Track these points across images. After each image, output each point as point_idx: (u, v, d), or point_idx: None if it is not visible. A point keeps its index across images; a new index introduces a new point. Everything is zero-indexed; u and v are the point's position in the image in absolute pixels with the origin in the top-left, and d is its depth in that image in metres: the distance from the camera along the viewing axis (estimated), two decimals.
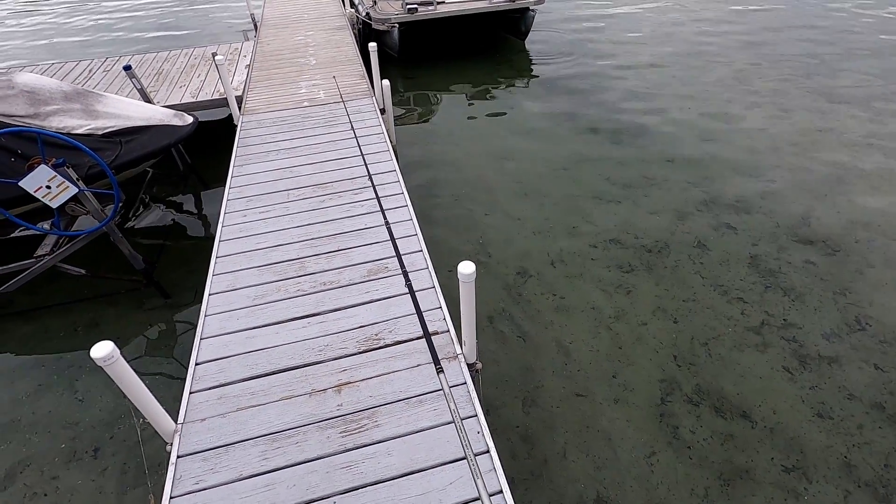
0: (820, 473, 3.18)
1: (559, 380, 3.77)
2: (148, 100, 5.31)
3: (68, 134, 3.98)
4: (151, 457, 3.28)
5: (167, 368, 3.86)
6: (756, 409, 3.53)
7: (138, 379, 2.18)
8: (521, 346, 4.02)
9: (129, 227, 5.36)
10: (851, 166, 6.04)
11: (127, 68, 5.04)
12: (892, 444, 3.29)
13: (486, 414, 3.48)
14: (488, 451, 2.28)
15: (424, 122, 7.64)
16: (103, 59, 7.44)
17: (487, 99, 8.20)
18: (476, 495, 2.12)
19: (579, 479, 3.22)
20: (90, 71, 7.04)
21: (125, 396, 2.19)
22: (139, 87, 5.20)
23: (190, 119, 4.66)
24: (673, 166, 6.12)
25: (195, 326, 3.05)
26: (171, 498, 2.18)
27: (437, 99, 8.32)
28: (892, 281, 4.40)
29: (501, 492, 2.13)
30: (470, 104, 8.05)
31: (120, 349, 2.06)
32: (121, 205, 3.89)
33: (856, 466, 3.19)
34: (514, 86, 8.60)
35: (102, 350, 1.98)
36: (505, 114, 7.68)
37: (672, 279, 4.54)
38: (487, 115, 7.67)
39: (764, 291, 4.41)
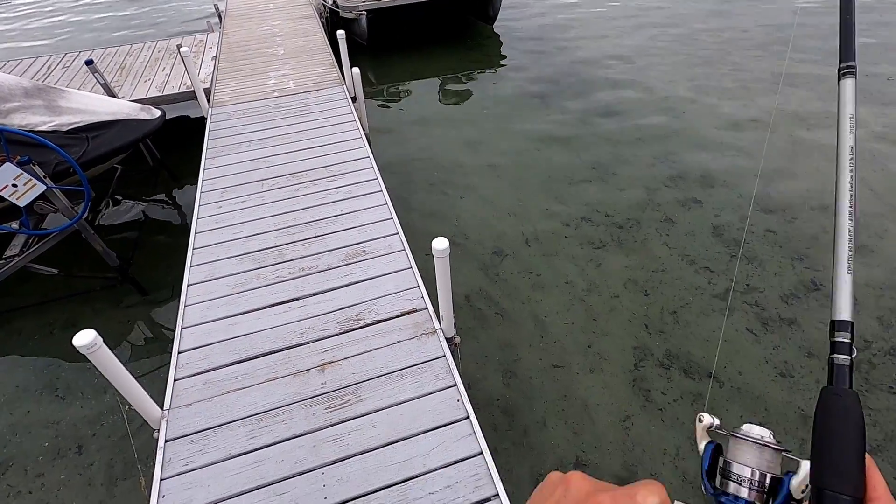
0: (781, 426, 3.39)
1: (537, 353, 3.91)
2: (112, 95, 5.21)
3: (32, 131, 3.90)
4: (140, 448, 3.30)
5: (149, 361, 3.86)
6: (723, 371, 3.73)
7: (122, 367, 2.21)
8: (499, 322, 4.14)
9: (100, 224, 5.28)
10: (809, 139, 6.31)
11: (88, 63, 4.92)
12: None
13: (468, 387, 3.60)
14: (468, 418, 2.39)
15: (397, 109, 7.66)
16: (62, 55, 7.22)
17: (459, 84, 8.24)
18: (458, 458, 2.23)
19: (559, 444, 3.37)
20: (49, 67, 6.83)
21: (111, 384, 2.22)
22: (102, 81, 5.09)
23: (157, 113, 4.60)
24: (642, 144, 6.30)
25: (176, 317, 3.07)
26: (161, 480, 2.23)
27: (409, 86, 8.33)
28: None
29: (482, 453, 2.24)
30: (441, 90, 8.08)
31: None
32: (90, 202, 3.84)
33: (811, 417, 3.42)
34: (484, 71, 8.66)
35: (85, 338, 2.01)
36: (476, 98, 7.74)
37: (642, 252, 4.72)
38: (459, 101, 7.72)
39: (729, 260, 4.62)
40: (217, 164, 4.45)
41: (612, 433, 3.41)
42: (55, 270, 4.13)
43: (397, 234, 3.53)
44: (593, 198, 5.44)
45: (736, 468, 0.50)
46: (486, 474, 2.17)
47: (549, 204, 5.38)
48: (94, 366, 2.09)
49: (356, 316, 2.95)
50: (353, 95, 5.56)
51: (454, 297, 4.38)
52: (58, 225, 3.97)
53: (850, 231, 0.52)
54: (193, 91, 5.42)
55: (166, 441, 2.38)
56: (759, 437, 0.52)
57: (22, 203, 3.54)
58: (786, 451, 0.51)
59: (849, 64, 0.57)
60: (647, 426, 3.43)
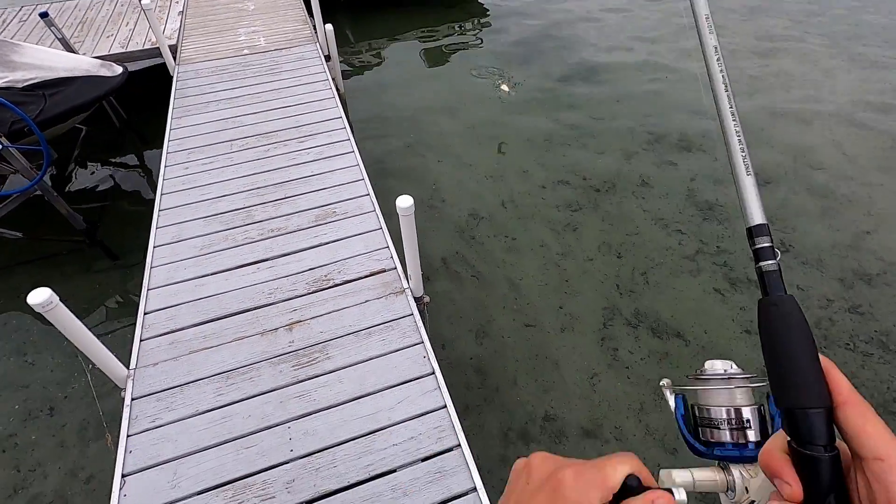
0: None
1: (510, 314, 3.96)
2: (71, 50, 4.96)
3: None
4: (113, 409, 3.31)
5: (119, 324, 3.84)
6: (689, 330, 3.83)
7: (82, 325, 2.19)
8: (474, 284, 4.17)
9: (68, 188, 5.12)
10: (784, 103, 6.31)
11: (44, 15, 4.66)
12: None
13: (442, 347, 3.65)
14: (433, 373, 2.43)
15: (375, 70, 7.45)
16: (18, 8, 6.81)
17: (439, 44, 8.01)
18: (422, 411, 2.28)
19: (528, 401, 3.46)
20: (3, 22, 6.45)
21: (71, 343, 2.20)
22: (60, 36, 4.83)
23: (119, 69, 4.40)
24: (620, 106, 6.24)
25: (142, 279, 3.03)
26: (128, 436, 2.25)
27: (388, 45, 8.07)
28: (813, 208, 4.74)
29: (445, 406, 2.29)
30: (421, 50, 7.86)
31: (69, 307, 2.05)
32: (52, 163, 3.71)
33: None
34: (465, 31, 8.42)
35: (40, 296, 1.97)
36: (457, 60, 7.55)
37: (617, 215, 4.75)
38: (439, 62, 7.53)
39: (701, 222, 4.68)
40: (184, 123, 4.31)
41: (580, 390, 3.51)
42: (19, 234, 4.03)
43: (368, 195, 3.49)
44: (571, 161, 5.42)
45: (712, 412, 0.48)
46: (450, 426, 2.23)
47: (527, 167, 5.35)
48: (53, 325, 2.06)
49: (325, 276, 2.95)
50: (326, 54, 5.38)
51: (430, 258, 4.41)
52: (20, 187, 3.85)
53: (737, 132, 0.50)
54: (159, 48, 5.19)
55: (133, 399, 2.38)
56: (723, 372, 0.49)
57: None
58: (752, 376, 0.49)
59: None
60: (613, 383, 3.54)
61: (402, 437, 2.20)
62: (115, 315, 3.95)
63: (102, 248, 4.29)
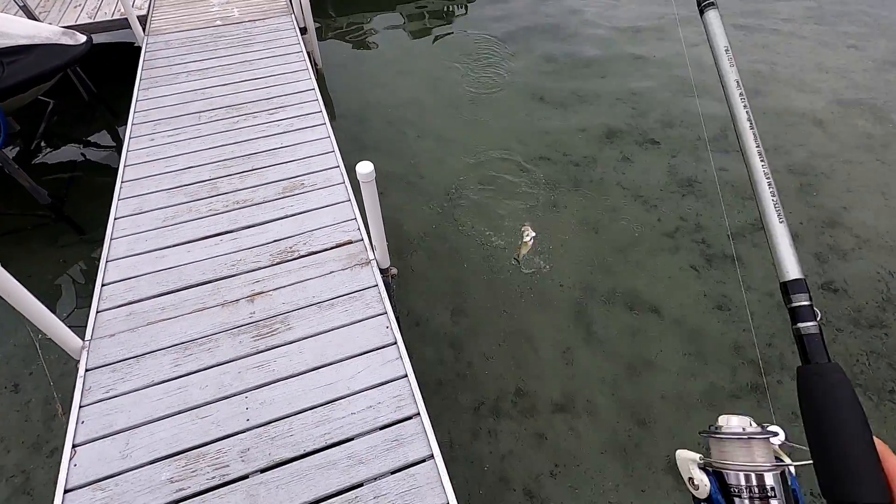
0: (715, 356, 3.52)
1: (486, 290, 3.92)
2: (34, 18, 4.77)
3: None
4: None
5: (85, 298, 3.75)
6: (664, 305, 3.81)
7: (29, 293, 2.11)
8: (450, 261, 4.13)
9: (33, 163, 4.97)
10: (770, 78, 6.26)
11: None
12: (777, 327, 3.66)
13: (416, 324, 3.61)
14: (395, 343, 2.39)
15: (357, 44, 7.28)
16: None
17: (424, 20, 7.84)
18: (382, 381, 2.25)
19: (502, 375, 3.45)
20: None
21: (20, 313, 2.13)
22: (22, 4, 4.64)
23: (83, 38, 4.24)
24: (604, 83, 6.16)
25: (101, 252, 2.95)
26: (80, 407, 2.19)
27: (370, 20, 7.89)
28: (792, 184, 4.72)
29: (406, 376, 2.26)
30: (405, 25, 7.69)
31: (31, 285, 1.98)
32: (16, 135, 3.58)
33: (743, 347, 3.56)
34: (450, 8, 8.23)
35: None
36: (440, 35, 7.39)
37: (597, 192, 4.70)
38: (422, 37, 7.37)
39: (680, 199, 4.65)
40: (150, 94, 4.17)
41: (554, 365, 3.49)
42: None
43: (338, 167, 3.41)
44: (553, 137, 5.34)
45: (731, 478, 0.42)
46: (409, 395, 2.20)
47: (508, 143, 5.27)
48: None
49: (290, 248, 2.88)
50: (302, 26, 5.23)
51: (407, 235, 4.35)
52: None
53: (766, 175, 0.44)
54: (126, 18, 5.00)
55: (87, 370, 2.32)
56: (741, 430, 0.44)
57: None
58: (772, 434, 0.43)
59: None
60: (587, 357, 3.53)
61: (360, 406, 2.17)
62: (81, 290, 3.86)
63: (69, 222, 4.19)
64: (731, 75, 0.46)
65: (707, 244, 4.24)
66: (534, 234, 4.03)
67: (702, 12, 0.50)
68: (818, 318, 0.39)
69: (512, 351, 3.58)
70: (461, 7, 8.10)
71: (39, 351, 3.16)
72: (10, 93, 3.79)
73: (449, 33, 7.41)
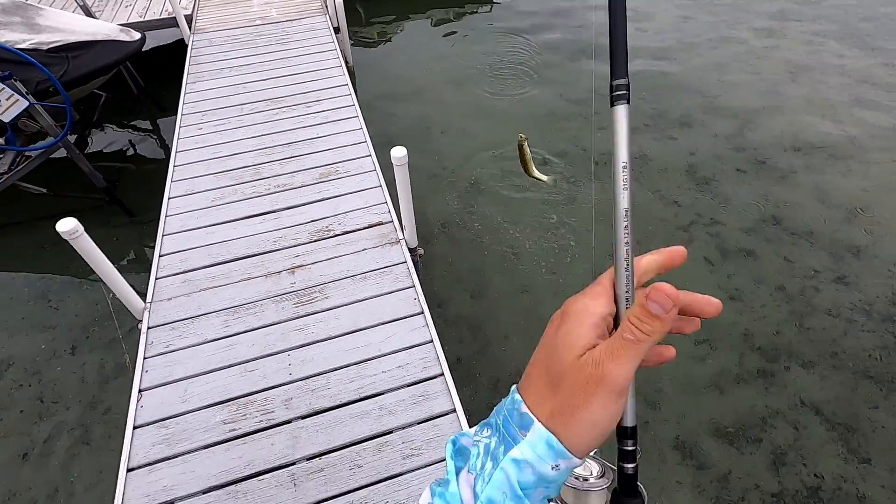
0: (724, 343, 3.66)
1: (505, 277, 4.13)
2: (91, 16, 5.17)
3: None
4: (131, 344, 3.56)
5: (135, 274, 4.08)
6: None
7: (104, 256, 2.41)
8: (471, 249, 4.35)
9: (88, 150, 5.37)
10: (790, 84, 6.32)
11: None
12: (784, 316, 3.78)
13: (438, 306, 3.84)
14: (422, 313, 2.62)
15: (385, 44, 7.57)
16: None
17: (450, 22, 8.09)
18: (410, 345, 2.48)
19: (517, 356, 3.64)
20: None
21: (96, 282, 2.42)
22: (82, 3, 5.04)
23: (137, 35, 4.60)
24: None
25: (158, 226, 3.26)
26: (144, 359, 2.48)
27: (399, 24, 8.17)
28: (808, 184, 4.81)
29: (432, 341, 2.49)
30: (433, 26, 7.95)
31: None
32: (74, 125, 3.94)
33: (752, 335, 3.69)
34: (476, 12, 8.47)
35: (67, 225, 2.20)
36: (467, 35, 7.64)
37: (612, 185, 4.86)
38: (449, 37, 7.62)
39: (697, 195, 4.78)
40: (197, 88, 4.51)
41: None
42: (44, 190, 4.28)
43: (370, 155, 3.67)
44: (573, 135, 5.52)
45: None
46: (435, 358, 2.42)
47: (530, 140, 5.47)
48: (78, 252, 2.28)
49: (326, 228, 3.14)
50: (336, 26, 5.52)
51: (430, 223, 4.59)
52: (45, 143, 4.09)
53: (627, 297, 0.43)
54: (175, 17, 5.37)
55: (149, 328, 2.62)
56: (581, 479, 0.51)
57: (6, 118, 3.64)
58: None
59: (620, 83, 0.43)
60: None
61: (390, 365, 2.40)
62: (131, 267, 4.20)
63: (120, 205, 4.54)
64: (623, 202, 0.43)
65: (721, 238, 4.37)
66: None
67: (613, 102, 0.42)
68: (638, 457, 0.45)
69: (527, 333, 3.77)
70: (489, 9, 8.33)
71: (112, 310, 3.48)
72: (73, 84, 4.16)
73: (475, 34, 7.65)
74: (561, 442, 0.40)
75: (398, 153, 2.49)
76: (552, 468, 0.40)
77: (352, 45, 6.40)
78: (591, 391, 0.39)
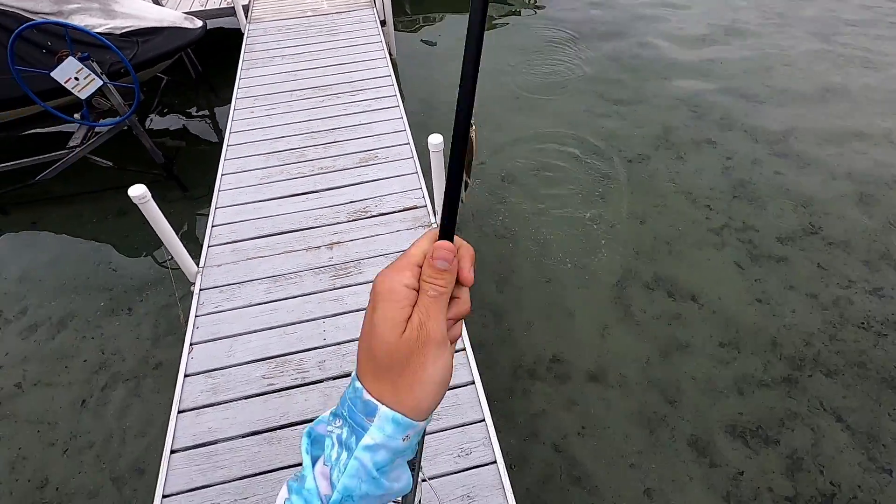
0: (749, 348, 3.66)
1: (532, 267, 4.24)
2: (159, 4, 5.55)
3: None
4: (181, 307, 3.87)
5: (189, 244, 4.41)
6: (703, 295, 3.98)
7: (166, 221, 2.68)
8: (500, 238, 4.47)
9: (149, 129, 5.78)
10: (839, 86, 6.13)
11: None
12: (816, 325, 3.74)
13: None
14: None
15: (429, 39, 7.75)
16: None
17: (493, 18, 8.19)
18: None
19: (539, 343, 3.76)
20: None
21: (154, 248, 2.70)
22: None
23: (199, 23, 4.93)
24: (668, 84, 6.27)
25: (211, 200, 3.54)
26: (195, 316, 2.74)
27: (443, 19, 8.34)
28: (851, 192, 4.70)
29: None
30: None
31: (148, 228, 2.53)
32: (140, 102, 4.28)
33: (781, 343, 3.67)
34: (520, 13, 8.54)
35: (138, 190, 2.46)
36: (510, 33, 7.73)
37: (647, 187, 4.89)
38: (491, 33, 7.73)
39: (731, 200, 4.75)
40: (251, 74, 4.80)
41: (590, 339, 3.76)
42: (110, 163, 4.66)
43: (408, 143, 3.85)
44: (609, 133, 5.55)
45: None
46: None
47: (564, 137, 5.54)
48: (144, 215, 2.55)
49: (364, 209, 3.34)
50: (382, 19, 5.73)
51: (465, 210, 4.73)
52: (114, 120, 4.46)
53: None
54: (233, 7, 5.70)
55: (201, 289, 2.88)
56: None
57: (83, 96, 4.00)
58: None
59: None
60: (623, 336, 3.77)
61: None
62: (184, 237, 4.53)
63: (176, 181, 4.89)
64: None
65: (754, 244, 4.34)
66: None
67: None
68: None
69: (551, 322, 3.87)
70: (532, 10, 8.38)
71: (170, 271, 3.80)
72: (141, 67, 4.51)
73: (517, 32, 7.73)
74: (406, 415, 0.42)
75: (435, 140, 2.65)
76: (403, 440, 0.43)
77: (396, 37, 6.61)
78: (424, 353, 0.43)
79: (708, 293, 3.97)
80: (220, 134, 5.81)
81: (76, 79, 3.93)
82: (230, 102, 4.52)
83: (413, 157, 3.73)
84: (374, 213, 3.29)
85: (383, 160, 3.72)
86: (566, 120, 5.77)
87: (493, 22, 8.06)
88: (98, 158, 4.63)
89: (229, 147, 3.93)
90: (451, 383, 1.96)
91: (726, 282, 4.06)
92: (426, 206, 3.32)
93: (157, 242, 4.54)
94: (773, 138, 5.39)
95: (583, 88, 6.33)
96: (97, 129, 4.54)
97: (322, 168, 3.68)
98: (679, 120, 5.69)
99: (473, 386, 2.37)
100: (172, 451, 2.22)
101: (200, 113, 6.06)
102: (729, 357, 3.64)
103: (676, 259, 4.24)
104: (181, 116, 6.01)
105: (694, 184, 4.90)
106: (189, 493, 2.09)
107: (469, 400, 2.32)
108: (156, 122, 5.99)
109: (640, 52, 7.02)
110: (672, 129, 5.56)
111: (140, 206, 2.51)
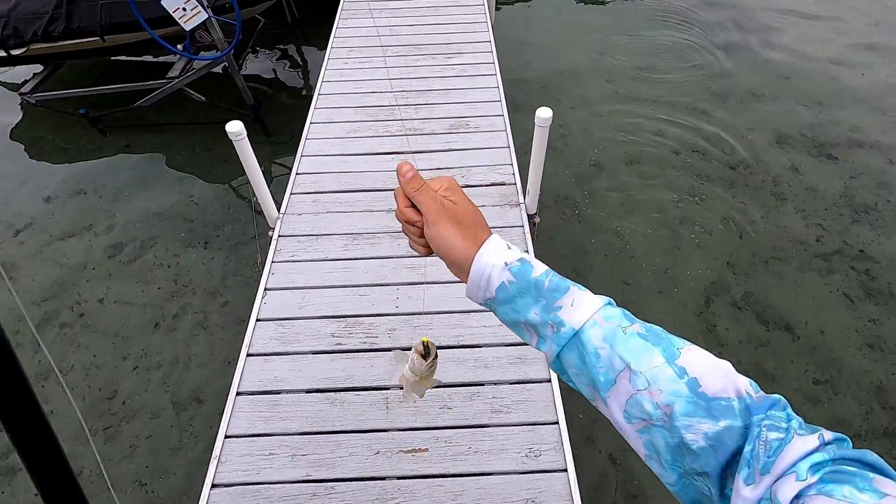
0: (849, 391, 3.27)
1: (610, 264, 3.97)
2: None
3: None
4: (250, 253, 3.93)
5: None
6: (801, 326, 3.58)
7: (256, 162, 2.63)
8: (579, 228, 4.21)
9: (241, 71, 5.85)
10: None
11: None
12: None
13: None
14: None
15: (528, 7, 7.35)
16: None
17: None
18: None
19: None
20: None
21: (237, 189, 2.67)
22: None
23: None
24: (787, 84, 5.62)
25: (292, 158, 3.50)
26: (272, 262, 2.72)
27: None
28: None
29: None
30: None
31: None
32: (239, 41, 4.27)
33: (888, 391, 3.25)
34: None
35: (235, 126, 2.42)
36: (611, 9, 7.18)
37: (749, 196, 4.43)
38: (593, 7, 7.22)
39: (850, 224, 4.22)
40: (348, 25, 4.69)
41: None
42: (203, 98, 4.74)
43: (502, 115, 3.62)
44: (713, 131, 5.06)
45: None
46: None
47: (662, 127, 5.11)
48: (237, 152, 2.51)
49: None
50: None
51: (542, 195, 4.50)
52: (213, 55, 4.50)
53: None
54: None
55: (280, 236, 2.85)
56: None
57: (188, 27, 4.03)
58: None
59: None
60: None
61: (492, 322, 2.42)
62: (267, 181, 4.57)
63: (261, 124, 4.92)
64: None
65: (871, 276, 3.84)
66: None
67: None
68: None
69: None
70: None
71: (254, 213, 3.86)
72: (245, 4, 4.50)
73: (621, 8, 7.17)
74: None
75: (544, 114, 2.43)
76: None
77: (497, 5, 6.28)
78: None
79: (806, 324, 3.56)
80: (307, 83, 5.79)
81: (184, 9, 3.96)
82: (322, 52, 4.44)
83: (506, 130, 3.51)
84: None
85: (474, 129, 3.52)
86: (666, 113, 5.30)
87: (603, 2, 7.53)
88: (193, 92, 4.71)
89: (320, 96, 3.86)
90: (526, 377, 1.79)
91: (831, 315, 3.62)
92: (515, 183, 3.12)
93: (238, 182, 4.66)
94: None
95: (691, 74, 5.79)
96: (195, 63, 4.61)
97: (410, 129, 3.54)
98: (796, 127, 5.10)
99: (549, 384, 2.20)
100: (238, 393, 2.21)
101: (291, 61, 6.06)
102: (823, 396, 3.27)
103: (775, 279, 3.83)
104: (272, 62, 6.03)
105: (807, 199, 4.39)
106: (250, 438, 2.08)
107: (543, 398, 2.16)
108: (248, 65, 6.04)
109: (766, 53, 6.31)
110: (787, 137, 4.99)
111: (235, 143, 2.47)
